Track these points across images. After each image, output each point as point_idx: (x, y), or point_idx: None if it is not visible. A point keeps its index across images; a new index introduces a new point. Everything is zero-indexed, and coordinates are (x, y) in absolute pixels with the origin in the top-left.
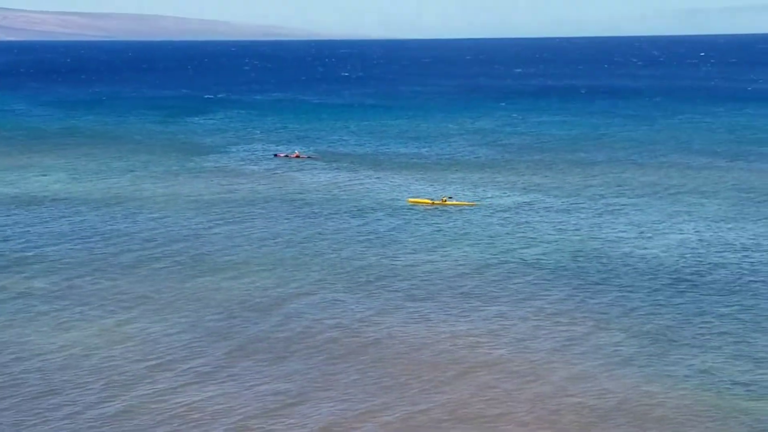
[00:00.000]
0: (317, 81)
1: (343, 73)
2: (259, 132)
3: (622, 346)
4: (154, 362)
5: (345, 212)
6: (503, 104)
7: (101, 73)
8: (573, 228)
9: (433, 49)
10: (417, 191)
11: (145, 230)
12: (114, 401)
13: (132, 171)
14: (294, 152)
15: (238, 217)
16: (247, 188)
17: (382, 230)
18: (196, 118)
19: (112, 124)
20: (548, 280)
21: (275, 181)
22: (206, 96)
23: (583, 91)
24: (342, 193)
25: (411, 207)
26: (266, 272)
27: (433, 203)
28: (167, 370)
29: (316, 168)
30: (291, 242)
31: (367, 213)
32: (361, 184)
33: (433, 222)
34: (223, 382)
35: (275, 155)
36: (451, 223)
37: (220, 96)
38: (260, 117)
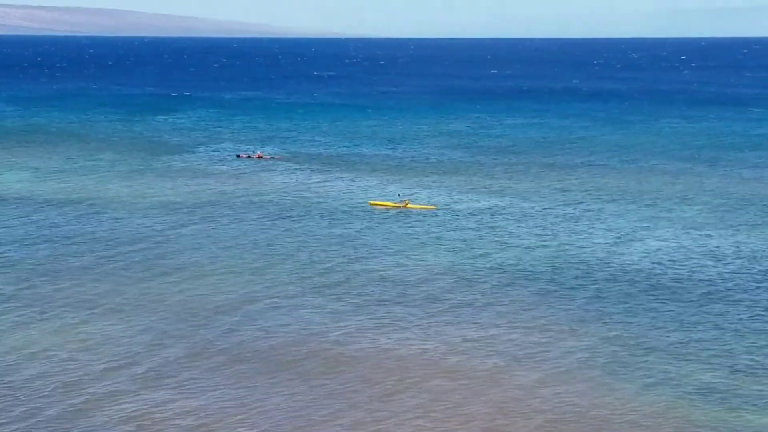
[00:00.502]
0: (287, 79)
1: (314, 72)
2: (227, 131)
3: (592, 352)
4: (110, 364)
5: (309, 214)
6: (478, 106)
7: (66, 69)
8: (547, 233)
9: (401, 48)
10: (387, 194)
11: (109, 231)
12: (69, 402)
13: (96, 170)
14: (256, 153)
15: (203, 219)
16: (213, 189)
17: (345, 233)
18: (163, 117)
19: (76, 121)
20: (519, 286)
21: (241, 183)
22: (174, 94)
23: (560, 94)
24: (307, 195)
25: (372, 210)
26: (229, 275)
27: (395, 206)
28: (124, 373)
29: (283, 169)
30: (254, 245)
31: (330, 215)
32: (328, 185)
33: (399, 225)
34: (179, 385)
35: (238, 156)
36: (420, 227)
37: (187, 94)
38: (229, 116)
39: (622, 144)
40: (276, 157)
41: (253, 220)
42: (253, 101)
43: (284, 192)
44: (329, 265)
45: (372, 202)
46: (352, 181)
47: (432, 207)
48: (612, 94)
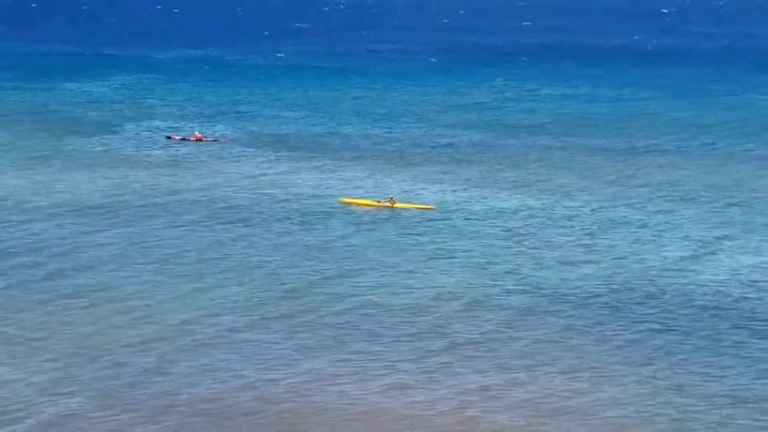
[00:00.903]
0: (243, 33)
1: (280, 23)
2: (160, 104)
3: (658, 406)
4: None
5: (268, 217)
6: (502, 68)
7: None
8: (599, 243)
9: None
10: (379, 189)
11: (1, 238)
12: None
13: None
14: (195, 134)
15: (126, 222)
16: (141, 183)
17: (316, 243)
18: (75, 84)
19: None
20: (558, 315)
21: (178, 174)
22: (88, 53)
23: (615, 54)
24: (266, 190)
25: (350, 211)
26: (158, 298)
27: (379, 204)
28: (11, 429)
29: (232, 156)
30: (192, 257)
31: (296, 219)
32: (295, 178)
33: (388, 231)
34: None
35: (168, 137)
36: (419, 235)
37: (108, 53)
38: (164, 83)
39: (701, 122)
40: (220, 139)
41: (192, 225)
42: (196, 63)
43: (235, 187)
44: (293, 285)
45: (344, 200)
46: (330, 172)
47: (429, 207)
48: (686, 54)
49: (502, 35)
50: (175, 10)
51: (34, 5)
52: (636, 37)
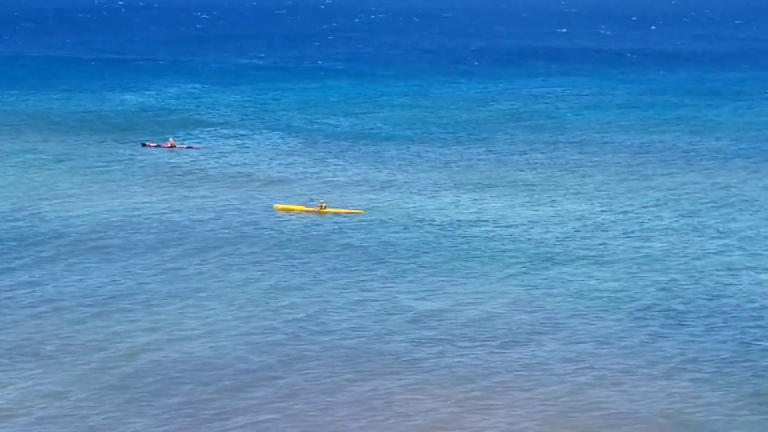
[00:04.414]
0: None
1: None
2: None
3: None
4: None
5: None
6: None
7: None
8: (654, 248)
9: None
10: (361, 192)
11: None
12: None
13: None
14: (168, 141)
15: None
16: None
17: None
18: (129, 91)
19: None
20: (608, 329)
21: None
22: (143, 59)
23: (650, 58)
24: (218, 192)
25: (282, 217)
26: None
27: (307, 210)
28: None
29: (199, 161)
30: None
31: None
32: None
33: (344, 238)
34: None
35: (143, 144)
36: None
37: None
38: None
39: (752, 126)
40: (194, 146)
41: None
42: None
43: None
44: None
45: (279, 206)
46: (303, 172)
47: (359, 212)
48: (728, 57)
49: (550, 38)
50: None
51: (80, 15)
52: (672, 42)
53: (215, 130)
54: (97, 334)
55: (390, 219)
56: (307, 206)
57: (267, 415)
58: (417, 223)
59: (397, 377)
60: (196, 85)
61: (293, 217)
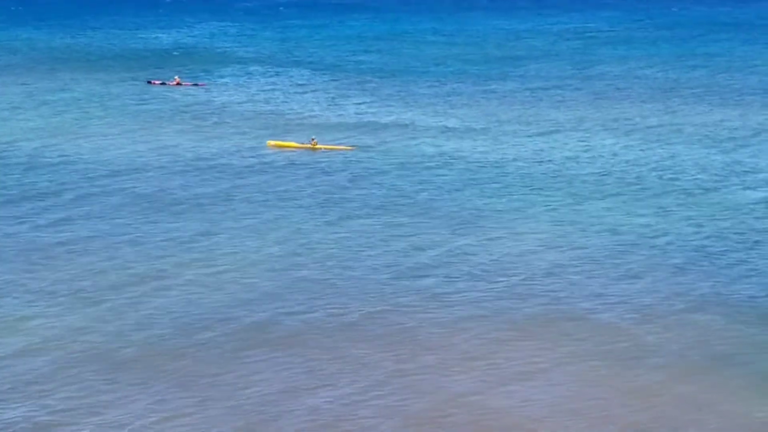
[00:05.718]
0: None
1: None
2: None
3: None
4: None
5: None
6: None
7: None
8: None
9: None
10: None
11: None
12: None
13: None
14: (174, 79)
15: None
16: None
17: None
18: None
19: None
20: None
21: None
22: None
23: None
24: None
25: (276, 153)
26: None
27: (302, 146)
28: None
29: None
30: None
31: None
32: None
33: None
34: None
35: (149, 82)
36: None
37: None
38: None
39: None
40: (200, 83)
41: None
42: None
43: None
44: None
45: (272, 142)
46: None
47: (348, 148)
48: None
49: None
50: None
51: None
52: None
53: (242, 67)
54: (127, 269)
55: (422, 157)
56: (299, 143)
57: (291, 350)
58: (450, 161)
59: (426, 312)
60: (228, 23)
61: (323, 155)
